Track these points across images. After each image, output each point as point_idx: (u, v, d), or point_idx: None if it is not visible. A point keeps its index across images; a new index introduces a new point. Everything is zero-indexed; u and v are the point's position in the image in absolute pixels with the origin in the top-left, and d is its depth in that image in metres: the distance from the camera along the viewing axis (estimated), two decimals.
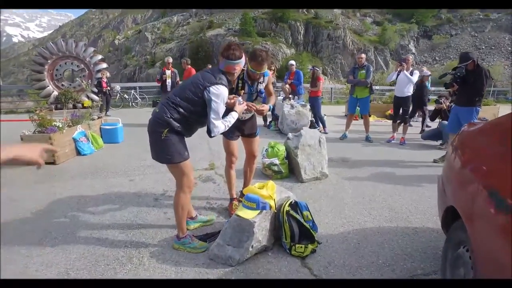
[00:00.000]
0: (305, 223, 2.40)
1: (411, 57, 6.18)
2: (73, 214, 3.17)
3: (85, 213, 3.20)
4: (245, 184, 3.47)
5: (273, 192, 2.36)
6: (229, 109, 2.91)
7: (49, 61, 10.79)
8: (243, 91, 2.85)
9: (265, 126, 8.25)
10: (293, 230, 2.34)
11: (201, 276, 2.19)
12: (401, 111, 6.16)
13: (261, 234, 2.26)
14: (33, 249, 2.53)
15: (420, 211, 3.17)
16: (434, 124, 6.54)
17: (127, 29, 75.84)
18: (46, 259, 2.41)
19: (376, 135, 7.05)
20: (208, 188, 3.85)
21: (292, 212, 2.38)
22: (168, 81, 8.04)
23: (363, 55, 6.26)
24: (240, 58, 2.36)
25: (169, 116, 2.27)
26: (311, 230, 2.39)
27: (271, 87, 3.10)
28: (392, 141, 6.38)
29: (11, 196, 3.60)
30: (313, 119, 7.60)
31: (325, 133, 7.41)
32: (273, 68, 7.87)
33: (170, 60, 8.25)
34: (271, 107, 2.93)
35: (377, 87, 15.67)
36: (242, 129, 3.12)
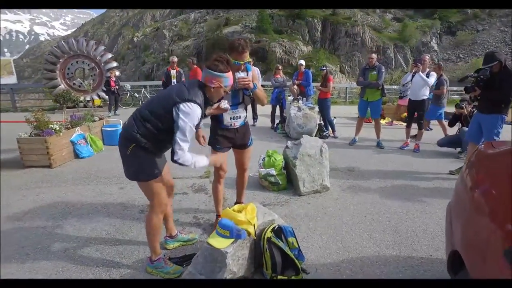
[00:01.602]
0: (289, 252, 2.11)
1: (427, 57, 5.69)
2: (53, 226, 3.01)
3: (65, 224, 3.04)
4: (239, 197, 3.23)
5: (252, 217, 2.08)
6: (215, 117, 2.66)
7: (61, 60, 10.93)
8: None
9: (272, 129, 7.96)
10: (274, 259, 2.07)
11: None
12: (415, 115, 5.73)
13: (236, 265, 1.99)
14: None
15: (428, 235, 2.81)
16: (452, 130, 6.00)
17: (145, 26, 76.98)
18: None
19: (388, 140, 6.62)
20: (199, 200, 3.61)
21: (274, 239, 2.10)
22: (173, 81, 7.86)
23: (374, 55, 5.84)
24: (222, 72, 2.07)
25: (136, 131, 2.02)
26: (295, 260, 2.10)
27: (258, 84, 2.76)
28: (406, 148, 5.94)
29: None
30: (322, 122, 7.23)
31: (335, 137, 7.04)
32: (250, 60, 7.49)
33: (175, 59, 8.05)
34: (255, 86, 2.60)
35: (394, 87, 15.01)
36: (233, 140, 2.84)
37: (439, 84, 6.38)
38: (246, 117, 2.88)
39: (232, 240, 1.95)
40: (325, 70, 7.08)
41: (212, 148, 2.88)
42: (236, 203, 3.26)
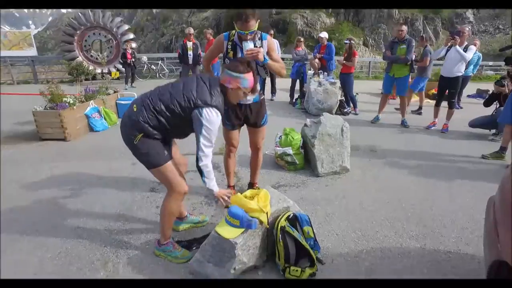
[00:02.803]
0: (304, 242, 1.95)
1: (467, 28, 5.09)
2: (64, 202, 2.99)
3: (76, 201, 3.01)
4: (252, 177, 3.09)
5: (265, 204, 1.92)
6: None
7: (78, 32, 10.83)
8: (232, 52, 2.41)
9: (290, 104, 7.66)
10: (288, 250, 1.91)
11: None
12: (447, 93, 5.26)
13: (246, 254, 1.85)
14: (10, 243, 2.36)
15: (457, 227, 2.56)
16: (489, 111, 5.47)
17: None
18: (19, 257, 2.22)
19: (414, 119, 6.20)
20: None
21: (288, 228, 1.94)
22: (190, 53, 7.60)
23: (404, 27, 5.30)
24: (241, 72, 1.94)
25: (146, 122, 1.87)
26: (310, 251, 1.94)
27: (275, 55, 2.50)
28: (433, 128, 5.54)
29: (12, 176, 3.51)
30: (343, 98, 6.86)
31: (356, 114, 6.70)
32: (271, 32, 7.19)
33: (192, 31, 7.74)
34: (267, 60, 2.37)
35: None
36: (247, 117, 2.65)
37: (422, 55, 6.39)
38: (261, 92, 2.65)
39: (242, 230, 1.80)
40: (348, 43, 6.60)
41: (222, 125, 2.71)
42: (250, 183, 3.13)
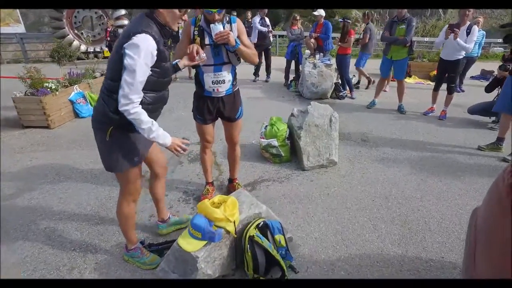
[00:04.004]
0: (274, 253, 1.84)
1: (471, 10, 4.71)
2: (39, 197, 2.89)
3: (52, 196, 2.91)
4: (231, 173, 2.96)
5: (232, 213, 1.79)
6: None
7: None
8: (198, 38, 2.15)
9: (284, 86, 7.39)
10: (257, 260, 1.81)
11: None
12: (446, 76, 4.99)
13: (212, 266, 1.75)
14: None
15: (442, 230, 2.44)
16: (490, 97, 5.17)
17: None
18: None
19: (412, 103, 5.96)
20: (193, 172, 3.37)
21: (257, 238, 1.82)
22: (180, 31, 7.24)
23: None
24: None
25: (108, 110, 1.65)
26: (281, 262, 1.84)
27: (245, 38, 2.28)
28: (430, 114, 5.32)
29: None
30: (339, 80, 6.59)
31: (352, 98, 6.45)
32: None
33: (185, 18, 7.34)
34: (238, 44, 2.14)
35: (426, 39, 13.52)
36: (220, 111, 2.47)
37: (364, 32, 6.70)
38: (234, 82, 2.43)
39: (205, 242, 1.68)
40: (343, 22, 6.22)
41: (194, 119, 2.56)
42: (229, 179, 3.01)
